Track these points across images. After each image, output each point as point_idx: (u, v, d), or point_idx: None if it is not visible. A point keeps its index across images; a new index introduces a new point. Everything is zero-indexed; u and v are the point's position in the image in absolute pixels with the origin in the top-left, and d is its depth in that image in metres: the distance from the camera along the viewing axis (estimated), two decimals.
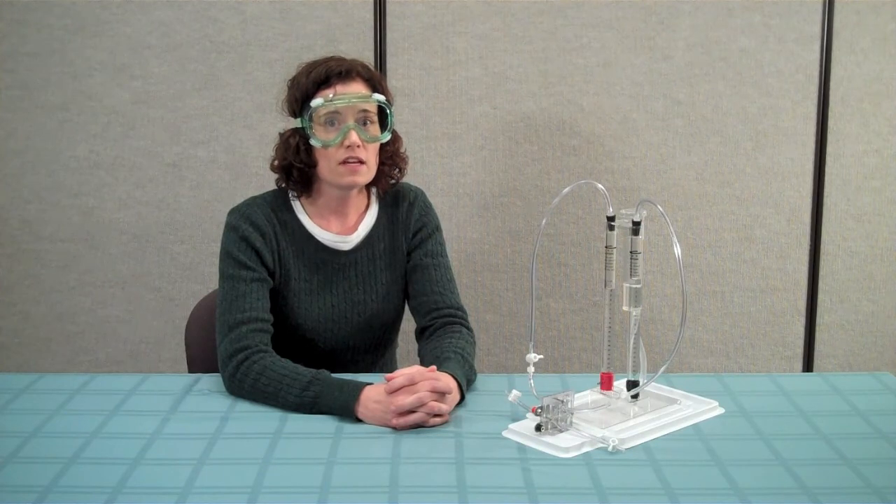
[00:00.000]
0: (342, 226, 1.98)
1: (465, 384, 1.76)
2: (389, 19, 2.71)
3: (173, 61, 2.71)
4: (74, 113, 2.72)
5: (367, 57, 2.69)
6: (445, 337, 1.90)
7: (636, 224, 1.66)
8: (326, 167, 1.89)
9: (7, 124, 2.73)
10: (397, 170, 2.00)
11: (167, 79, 2.72)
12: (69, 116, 2.73)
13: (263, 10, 2.69)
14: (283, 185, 1.97)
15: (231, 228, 1.92)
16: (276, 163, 1.96)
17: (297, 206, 1.97)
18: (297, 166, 1.91)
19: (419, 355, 1.96)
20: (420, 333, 1.99)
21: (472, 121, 2.76)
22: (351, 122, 1.86)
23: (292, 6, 2.70)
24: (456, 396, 1.70)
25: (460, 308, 1.99)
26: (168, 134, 2.74)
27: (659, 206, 1.60)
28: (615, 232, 1.69)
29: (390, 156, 1.97)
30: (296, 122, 1.91)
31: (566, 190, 1.66)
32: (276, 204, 1.96)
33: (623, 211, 1.67)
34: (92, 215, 2.77)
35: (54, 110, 2.72)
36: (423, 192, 2.07)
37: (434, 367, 1.72)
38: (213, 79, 2.72)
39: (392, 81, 2.72)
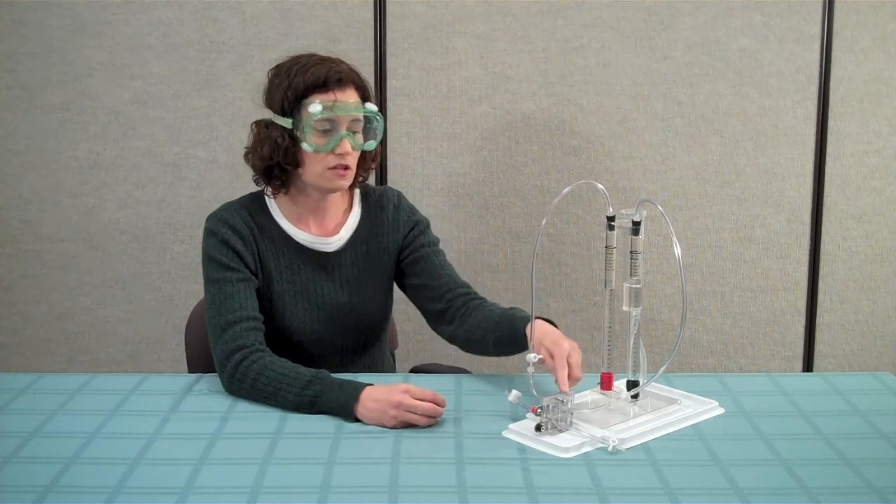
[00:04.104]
0: (320, 227, 1.98)
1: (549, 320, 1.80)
2: (389, 19, 2.71)
3: (173, 61, 2.71)
4: (74, 113, 2.73)
5: (367, 57, 2.69)
6: (483, 309, 1.92)
7: (636, 224, 1.66)
8: (312, 171, 1.89)
9: (7, 124, 2.73)
10: (366, 168, 2.01)
11: (167, 79, 2.72)
12: (69, 116, 2.73)
13: (263, 10, 2.69)
14: (262, 181, 1.96)
15: (210, 233, 1.93)
16: (251, 156, 1.93)
17: (274, 208, 1.97)
18: (283, 167, 1.91)
19: (451, 337, 1.96)
20: (439, 317, 1.99)
21: (472, 121, 2.76)
22: (344, 131, 1.86)
23: (292, 6, 2.70)
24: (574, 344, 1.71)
25: (469, 286, 2.02)
26: (168, 134, 2.74)
27: (659, 206, 1.60)
28: (615, 232, 1.69)
29: (366, 158, 1.98)
30: (276, 117, 1.88)
31: (566, 190, 1.66)
32: (253, 208, 1.96)
33: (623, 211, 1.67)
34: (92, 215, 2.77)
35: (54, 110, 2.72)
36: (402, 193, 2.09)
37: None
38: (213, 79, 2.72)
39: (392, 81, 2.72)
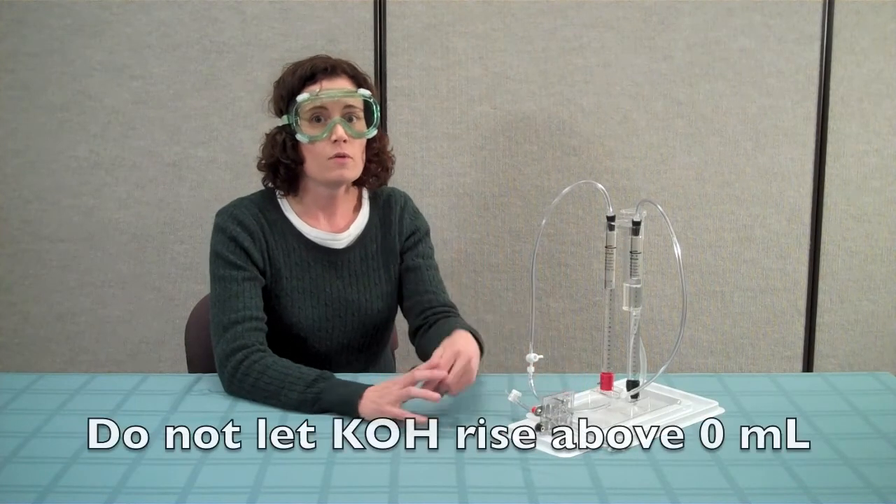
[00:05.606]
0: (330, 224, 1.99)
1: (479, 338, 1.80)
2: (389, 19, 2.71)
3: (173, 61, 2.71)
4: (74, 113, 2.72)
5: (367, 57, 2.69)
6: (444, 324, 1.92)
7: (636, 224, 1.66)
8: (313, 163, 1.89)
9: (7, 124, 2.73)
10: (383, 168, 2.01)
11: (167, 79, 2.72)
12: (69, 116, 2.73)
13: (263, 10, 2.69)
14: (270, 185, 1.98)
15: (219, 229, 1.93)
16: (262, 161, 1.97)
17: (285, 205, 1.97)
18: (284, 163, 1.92)
19: (418, 351, 1.97)
20: (415, 333, 2.01)
21: (472, 121, 2.76)
22: (337, 117, 1.87)
23: (292, 6, 2.70)
24: (477, 351, 1.71)
25: (453, 306, 2.02)
26: (168, 134, 2.74)
27: (659, 206, 1.60)
28: (615, 232, 1.69)
29: (377, 153, 1.98)
30: (282, 121, 1.91)
31: (566, 190, 1.66)
32: (264, 204, 1.97)
33: (623, 211, 1.67)
34: (92, 215, 2.77)
35: (54, 110, 2.72)
36: (408, 196, 2.10)
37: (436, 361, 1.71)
38: (213, 79, 2.72)
39: (392, 81, 2.72)
